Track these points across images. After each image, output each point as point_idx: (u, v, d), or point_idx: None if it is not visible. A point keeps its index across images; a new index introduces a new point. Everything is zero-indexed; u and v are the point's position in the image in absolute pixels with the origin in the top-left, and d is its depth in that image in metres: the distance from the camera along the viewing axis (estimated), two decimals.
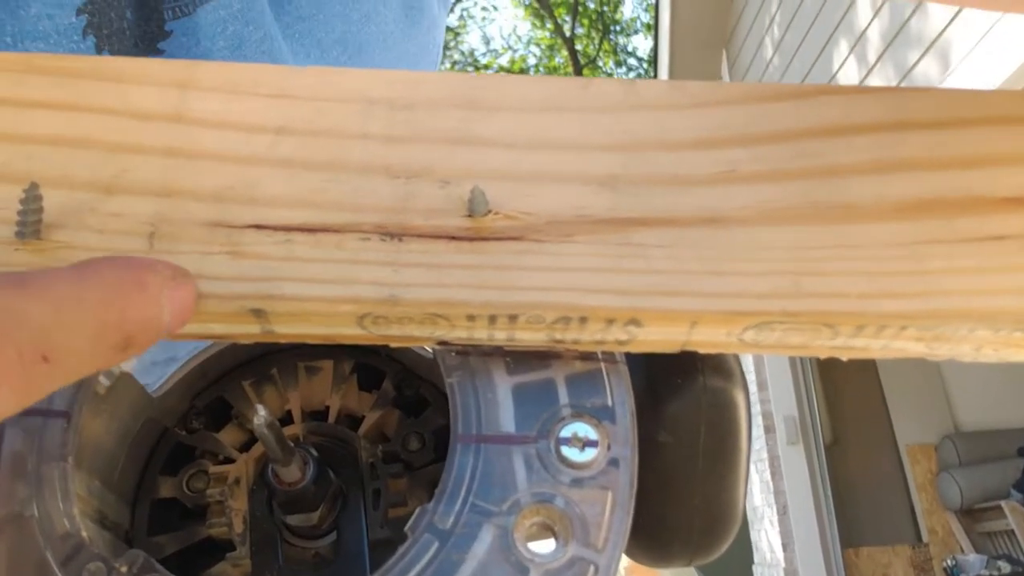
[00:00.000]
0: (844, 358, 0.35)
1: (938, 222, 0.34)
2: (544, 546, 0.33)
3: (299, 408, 0.45)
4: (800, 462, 4.81)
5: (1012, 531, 4.53)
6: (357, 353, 0.47)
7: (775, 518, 4.78)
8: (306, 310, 0.31)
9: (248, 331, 0.32)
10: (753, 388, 5.00)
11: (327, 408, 0.45)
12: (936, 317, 0.32)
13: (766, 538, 5.01)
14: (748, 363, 4.99)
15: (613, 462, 0.33)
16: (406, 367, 0.47)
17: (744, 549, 5.29)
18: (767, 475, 4.87)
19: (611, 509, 0.32)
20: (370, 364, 0.47)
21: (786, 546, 4.69)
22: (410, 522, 0.32)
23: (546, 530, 0.33)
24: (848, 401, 5.29)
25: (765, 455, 4.88)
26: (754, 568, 5.28)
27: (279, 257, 0.32)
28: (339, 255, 0.32)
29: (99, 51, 0.56)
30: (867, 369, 5.32)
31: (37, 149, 0.33)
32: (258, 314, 0.31)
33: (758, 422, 4.97)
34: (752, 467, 5.17)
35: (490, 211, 0.33)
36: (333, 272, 0.32)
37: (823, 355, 0.35)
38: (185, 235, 0.32)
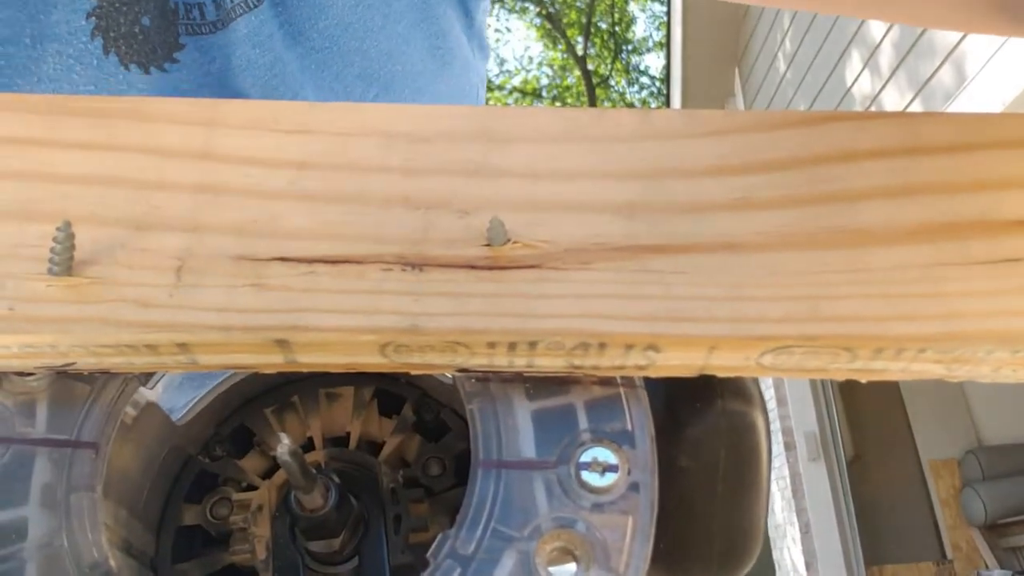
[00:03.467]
0: (863, 380, 0.36)
1: (952, 245, 0.34)
2: (566, 571, 0.33)
3: (320, 435, 0.45)
4: (822, 479, 4.76)
5: None
6: (377, 379, 0.47)
7: (797, 536, 4.73)
8: (329, 340, 0.32)
9: (272, 361, 0.33)
10: (772, 404, 4.97)
11: (348, 434, 0.46)
12: (954, 339, 0.33)
13: (789, 557, 4.96)
14: (767, 379, 4.96)
15: (633, 487, 0.33)
16: (426, 392, 0.47)
17: (767, 568, 5.24)
18: (788, 492, 4.83)
19: (632, 534, 0.33)
20: (390, 390, 0.47)
21: (809, 565, 4.63)
22: (432, 548, 0.32)
23: (567, 555, 0.33)
24: (869, 416, 5.24)
25: (786, 472, 4.84)
26: None
27: (302, 288, 0.32)
28: (361, 286, 0.33)
29: (106, 53, 0.58)
30: (888, 384, 5.27)
31: (70, 188, 0.34)
32: (282, 344, 0.32)
33: (778, 439, 4.93)
34: (773, 484, 5.12)
35: (509, 240, 0.34)
36: (355, 302, 0.32)
37: (841, 377, 0.35)
38: (211, 268, 0.32)
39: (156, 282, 0.32)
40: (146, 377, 0.35)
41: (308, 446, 0.46)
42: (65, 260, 0.31)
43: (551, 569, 0.32)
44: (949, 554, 4.96)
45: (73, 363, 0.32)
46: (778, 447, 4.94)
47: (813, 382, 4.90)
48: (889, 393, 5.27)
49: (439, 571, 0.32)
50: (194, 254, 0.32)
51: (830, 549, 4.59)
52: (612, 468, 0.34)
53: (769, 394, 5.00)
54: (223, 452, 0.45)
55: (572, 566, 0.33)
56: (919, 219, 0.34)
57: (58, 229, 0.31)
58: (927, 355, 0.33)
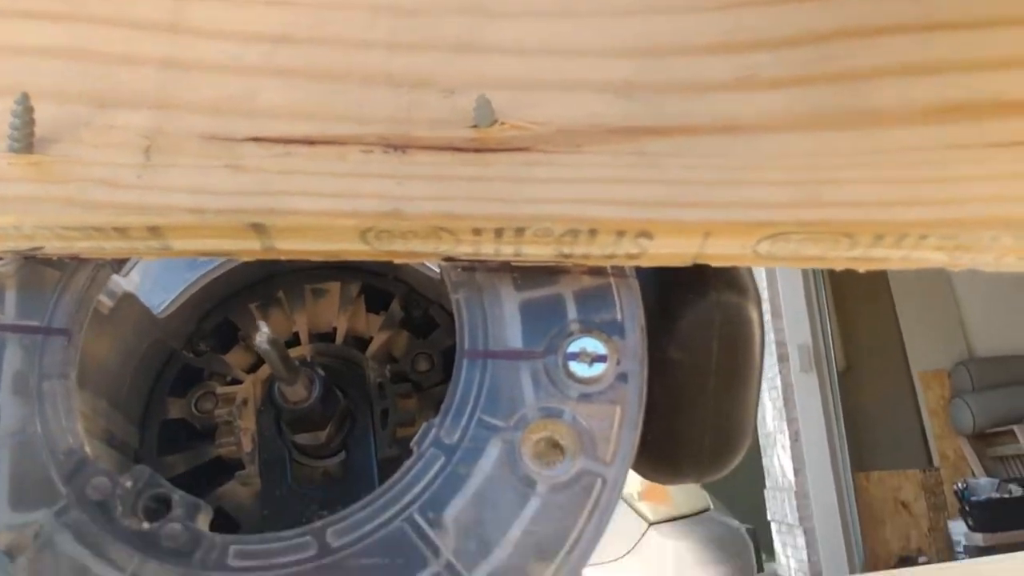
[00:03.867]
0: (861, 269, 0.34)
1: (966, 126, 0.32)
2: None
3: (306, 330, 0.44)
4: (813, 389, 4.83)
5: None
6: (364, 275, 0.46)
7: (787, 443, 4.84)
8: (307, 225, 0.31)
9: (249, 247, 0.32)
10: (767, 317, 5.00)
11: (334, 330, 0.45)
12: (958, 225, 0.31)
13: (778, 463, 5.08)
14: (762, 291, 4.97)
15: (622, 377, 0.33)
16: (414, 288, 0.46)
17: (756, 474, 5.37)
18: (780, 403, 4.90)
19: (619, 424, 0.32)
20: (377, 286, 0.46)
21: (797, 471, 4.75)
22: (416, 437, 0.31)
23: (554, 445, 0.33)
24: (862, 328, 5.28)
25: (778, 383, 4.91)
26: (765, 492, 5.37)
27: (279, 170, 0.31)
28: (341, 168, 0.31)
29: None
30: (882, 296, 5.29)
31: (30, 61, 0.31)
32: (258, 229, 0.31)
33: (771, 350, 4.98)
34: (765, 395, 5.21)
35: (496, 121, 0.32)
36: (335, 185, 0.31)
37: (840, 266, 0.34)
38: (182, 148, 0.31)
39: (123, 161, 0.30)
40: (119, 264, 0.34)
41: (294, 341, 0.45)
42: (25, 136, 0.29)
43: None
44: (936, 462, 5.08)
45: (40, 247, 0.31)
46: (771, 358, 4.99)
47: (808, 293, 4.92)
48: (882, 305, 5.30)
49: (423, 460, 0.31)
50: (163, 133, 0.31)
51: (818, 456, 4.69)
52: (600, 358, 0.33)
53: (764, 306, 5.01)
54: (207, 347, 0.44)
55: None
56: (934, 99, 0.33)
57: (16, 103, 0.29)
58: (929, 242, 0.32)
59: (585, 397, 0.32)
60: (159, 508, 0.30)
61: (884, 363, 5.27)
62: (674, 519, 3.20)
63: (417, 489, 0.31)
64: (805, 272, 4.92)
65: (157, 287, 0.40)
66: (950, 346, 5.22)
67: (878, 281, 5.27)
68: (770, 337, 4.99)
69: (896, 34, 0.33)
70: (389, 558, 0.30)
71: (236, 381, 0.43)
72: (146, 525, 0.29)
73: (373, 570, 0.29)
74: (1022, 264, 0.34)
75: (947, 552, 4.81)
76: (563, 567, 0.30)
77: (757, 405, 0.42)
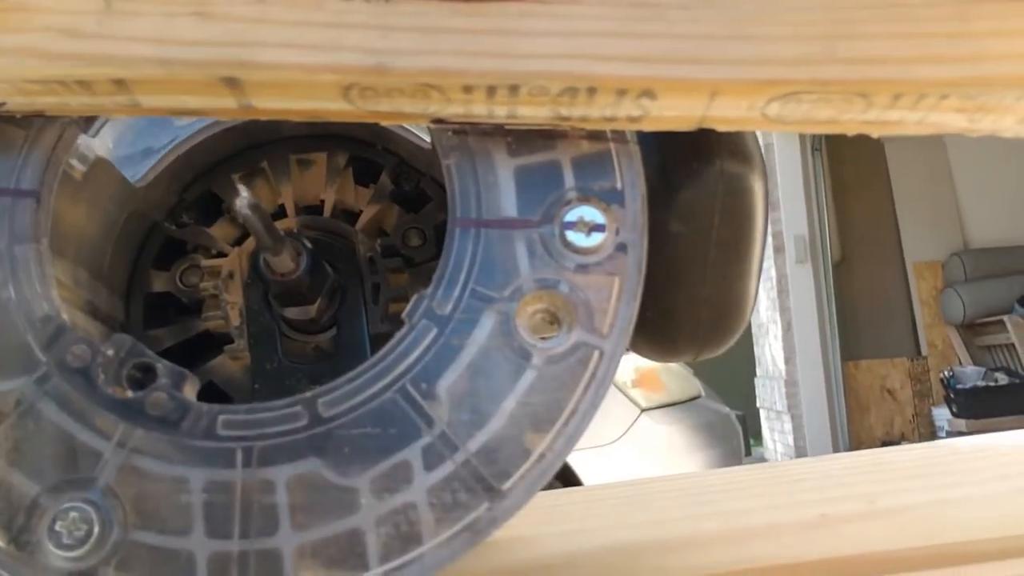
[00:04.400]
0: (875, 135, 0.33)
1: None
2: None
3: (292, 202, 0.43)
4: (807, 280, 4.86)
5: (1012, 345, 4.64)
6: (352, 146, 0.44)
7: (779, 333, 4.90)
8: (284, 79, 0.29)
9: (223, 105, 0.30)
10: None
11: (322, 203, 0.43)
12: (981, 84, 0.29)
13: (769, 352, 5.16)
14: None
15: (621, 247, 0.31)
16: (404, 160, 0.44)
17: (747, 362, 5.46)
18: (774, 293, 4.94)
19: (617, 295, 0.31)
20: (366, 157, 0.44)
21: (788, 359, 4.83)
22: (407, 308, 0.30)
23: (550, 316, 0.32)
24: (859, 220, 5.27)
25: (773, 274, 4.93)
26: (756, 380, 5.48)
27: (252, 19, 0.28)
28: (319, 17, 0.29)
29: None
30: (880, 187, 5.26)
31: None
32: (231, 84, 0.29)
33: (768, 241, 4.98)
34: (760, 285, 5.24)
35: None
36: (313, 36, 0.28)
37: (852, 131, 0.32)
38: None
39: (83, 8, 0.28)
40: (86, 123, 0.32)
41: (280, 214, 0.43)
42: None
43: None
44: (924, 351, 5.17)
45: (2, 103, 0.29)
46: (768, 249, 4.99)
47: (807, 184, 4.88)
48: (880, 196, 5.27)
49: (415, 331, 0.30)
50: None
51: (809, 345, 4.77)
52: (599, 228, 0.32)
53: None
54: (190, 219, 0.42)
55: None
56: None
57: None
58: (949, 102, 0.30)
59: (582, 268, 0.31)
60: (144, 377, 0.29)
61: (879, 254, 5.29)
62: (666, 406, 3.28)
63: (410, 360, 0.30)
64: (804, 162, 4.87)
65: (133, 155, 0.39)
66: (945, 237, 5.22)
67: (877, 171, 5.22)
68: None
69: None
70: (381, 428, 0.29)
71: (222, 254, 0.42)
72: (130, 393, 0.29)
73: (365, 440, 0.29)
74: None
75: (930, 437, 4.95)
76: (559, 438, 0.30)
77: (759, 280, 0.41)
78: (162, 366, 0.29)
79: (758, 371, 5.44)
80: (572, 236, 0.32)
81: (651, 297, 0.37)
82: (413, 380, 0.30)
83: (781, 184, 4.91)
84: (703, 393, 3.49)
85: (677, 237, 0.37)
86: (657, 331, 0.41)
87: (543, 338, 0.31)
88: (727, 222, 0.37)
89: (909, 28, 0.29)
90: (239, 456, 0.28)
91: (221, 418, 0.28)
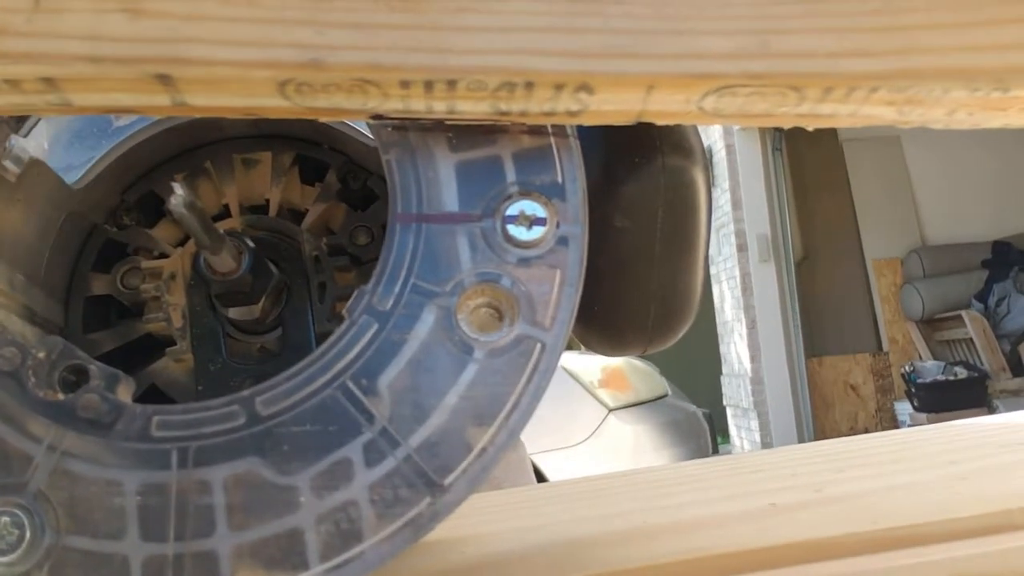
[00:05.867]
0: (810, 127, 0.33)
1: None
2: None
3: (236, 202, 0.42)
4: (771, 279, 4.93)
5: (971, 339, 4.74)
6: (297, 144, 0.44)
7: (744, 332, 4.96)
8: (218, 76, 0.28)
9: (157, 103, 0.29)
10: (728, 207, 5.03)
11: (268, 202, 0.43)
12: (909, 77, 0.30)
13: (735, 350, 5.22)
14: (723, 180, 4.98)
15: (562, 240, 0.32)
16: (351, 159, 0.44)
17: (713, 361, 5.52)
18: (738, 292, 5.00)
19: (559, 287, 0.31)
20: (312, 156, 0.44)
21: (753, 357, 4.89)
22: (348, 303, 0.30)
23: (492, 310, 0.32)
24: (820, 218, 5.35)
25: (737, 273, 4.99)
26: (722, 378, 5.53)
27: (185, 15, 0.28)
28: (254, 13, 0.28)
29: None
30: (840, 186, 5.34)
31: None
32: (165, 80, 0.28)
33: (731, 240, 5.04)
34: (724, 284, 5.29)
35: None
36: (247, 32, 0.28)
37: (787, 124, 0.33)
38: None
39: (10, 6, 0.27)
40: (16, 123, 0.31)
41: (224, 214, 0.43)
42: None
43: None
44: (886, 347, 5.26)
45: None
46: (730, 248, 5.05)
47: (768, 184, 4.94)
48: (840, 195, 5.35)
49: (355, 327, 0.30)
50: None
51: (773, 343, 4.83)
52: (540, 221, 0.32)
53: (725, 197, 5.05)
54: (131, 221, 0.42)
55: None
56: None
57: None
58: (879, 95, 0.31)
59: (524, 261, 0.31)
60: (77, 380, 0.29)
61: (840, 252, 5.37)
62: (633, 405, 3.30)
63: (350, 356, 0.30)
64: (765, 162, 4.93)
65: (70, 156, 0.38)
66: (904, 235, 5.32)
67: (837, 171, 5.31)
68: (730, 228, 5.04)
69: None
70: (321, 425, 0.29)
71: (164, 256, 0.41)
72: (62, 396, 0.28)
73: (305, 437, 0.29)
74: (972, 120, 0.33)
75: None
76: (501, 431, 0.30)
77: (705, 274, 0.42)
78: (95, 368, 0.28)
79: (724, 369, 5.49)
80: (513, 230, 0.32)
81: (599, 291, 0.37)
82: (354, 376, 0.29)
83: (743, 184, 4.97)
84: (670, 392, 3.51)
85: (622, 231, 0.38)
86: (606, 325, 0.42)
87: (484, 329, 0.31)
88: (671, 215, 0.38)
89: (838, 22, 0.30)
90: (174, 457, 0.28)
91: (156, 419, 0.28)
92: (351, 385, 0.29)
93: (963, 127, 0.33)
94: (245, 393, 0.29)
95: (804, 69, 0.30)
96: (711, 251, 5.62)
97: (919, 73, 0.30)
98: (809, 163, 5.23)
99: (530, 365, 0.30)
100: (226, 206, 0.43)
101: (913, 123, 0.33)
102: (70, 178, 0.38)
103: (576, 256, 0.32)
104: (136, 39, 0.28)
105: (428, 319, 0.30)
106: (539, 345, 0.31)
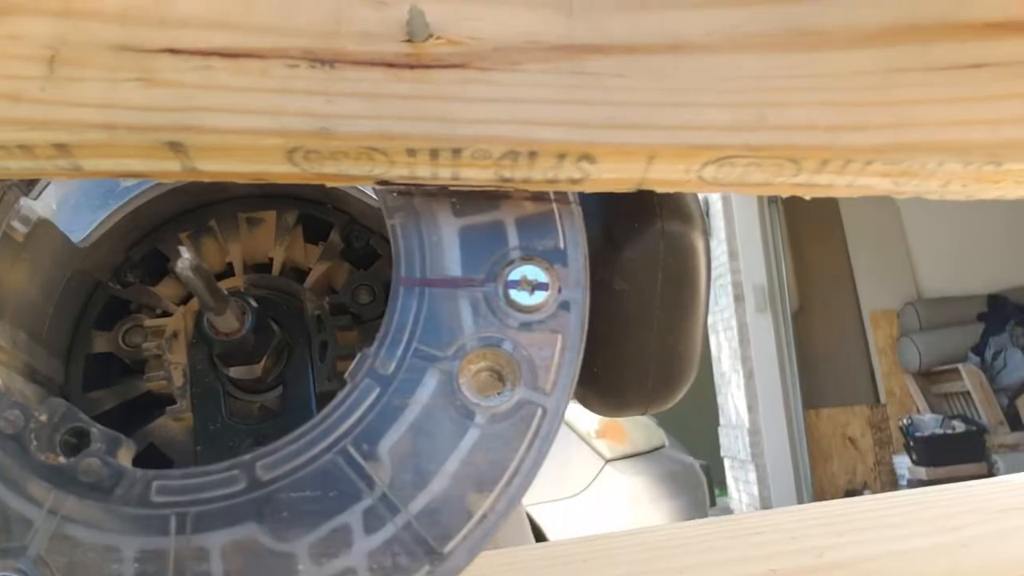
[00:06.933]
0: (807, 196, 0.34)
1: (913, 49, 0.31)
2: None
3: (240, 260, 0.43)
4: (767, 329, 4.93)
5: (968, 393, 4.72)
6: (302, 204, 0.44)
7: (741, 383, 4.94)
8: (229, 143, 0.29)
9: (168, 168, 0.30)
10: (724, 259, 5.06)
11: (271, 261, 0.43)
12: (904, 150, 0.31)
13: (732, 401, 5.19)
14: (719, 232, 5.02)
15: (564, 305, 0.32)
16: (354, 219, 0.44)
17: (710, 412, 5.49)
18: (735, 342, 4.99)
19: (560, 352, 0.31)
20: (316, 215, 0.45)
21: (751, 408, 4.86)
22: (351, 367, 0.30)
23: (494, 375, 0.32)
24: (816, 269, 5.37)
25: (734, 323, 4.99)
26: (719, 429, 5.50)
27: (197, 85, 0.29)
28: (264, 83, 0.29)
29: None
30: (835, 237, 5.38)
31: None
32: (176, 148, 0.29)
33: (728, 291, 5.05)
34: (721, 334, 5.29)
35: (431, 36, 0.30)
36: (258, 102, 0.29)
37: (785, 193, 0.33)
38: (90, 60, 0.28)
39: (25, 74, 0.28)
40: (27, 185, 0.32)
41: (228, 272, 0.43)
42: None
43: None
44: (883, 399, 5.24)
45: None
46: (727, 299, 5.07)
47: (764, 234, 4.98)
48: (835, 247, 5.38)
49: (357, 391, 0.30)
50: (69, 43, 0.28)
51: (771, 394, 4.81)
52: (542, 286, 0.32)
53: (722, 248, 5.08)
54: (135, 278, 0.42)
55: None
56: (881, 21, 0.32)
57: None
58: (875, 167, 0.31)
59: (526, 326, 0.32)
60: (78, 442, 0.29)
61: (836, 303, 5.38)
62: (630, 456, 3.27)
63: (351, 421, 0.30)
64: (762, 214, 4.97)
65: (78, 216, 0.38)
66: (900, 287, 5.34)
67: (832, 223, 5.35)
68: (727, 278, 5.06)
69: None
70: (322, 491, 0.29)
71: (167, 314, 0.41)
72: (63, 460, 0.28)
73: (304, 503, 0.28)
74: (966, 192, 0.33)
75: (891, 486, 4.99)
76: (502, 498, 0.30)
77: (704, 336, 0.42)
78: (97, 431, 0.28)
79: (721, 420, 5.46)
80: (515, 295, 0.32)
81: (599, 353, 0.38)
82: (355, 441, 0.29)
83: (740, 235, 5.00)
84: (667, 443, 3.48)
85: (622, 294, 0.38)
86: (606, 386, 0.42)
87: (486, 394, 0.31)
88: (670, 280, 0.38)
89: (835, 97, 0.31)
90: (173, 523, 0.27)
91: (155, 484, 0.28)
92: (352, 450, 0.29)
93: (958, 198, 0.34)
94: (246, 457, 0.29)
95: (801, 142, 0.31)
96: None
97: (913, 147, 0.31)
98: (805, 214, 5.27)
99: (531, 430, 0.30)
100: (230, 264, 0.43)
101: (908, 194, 0.33)
102: (76, 237, 0.38)
103: (577, 321, 0.32)
104: (149, 108, 0.28)
105: (430, 383, 0.31)
106: (540, 410, 0.31)
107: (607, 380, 0.41)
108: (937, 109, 0.31)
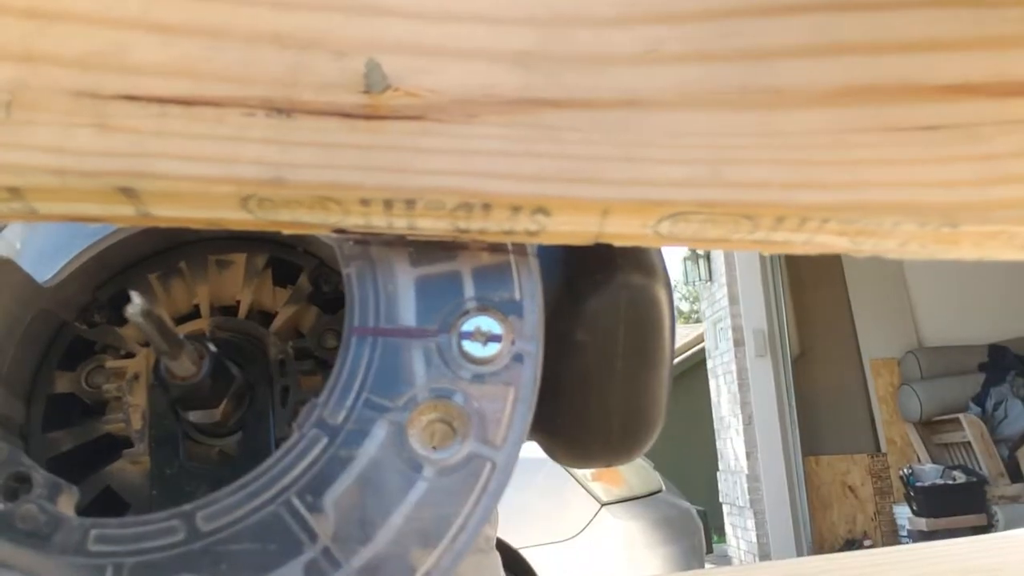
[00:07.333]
0: (765, 253, 0.34)
1: (869, 110, 0.31)
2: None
3: (207, 302, 0.43)
4: (767, 374, 4.91)
5: (969, 443, 4.68)
6: (272, 247, 0.44)
7: (740, 428, 4.90)
8: (181, 190, 0.29)
9: (121, 213, 0.30)
10: (725, 302, 5.05)
11: (238, 303, 0.43)
12: (859, 209, 0.31)
13: (731, 447, 5.15)
14: (720, 277, 5.02)
15: (517, 357, 0.32)
16: (324, 262, 0.44)
17: (709, 457, 5.44)
18: (735, 387, 4.97)
19: (512, 405, 0.31)
20: (286, 259, 0.45)
21: (750, 454, 4.82)
22: (299, 416, 0.30)
23: (445, 426, 0.32)
24: (817, 315, 5.36)
25: (734, 367, 4.97)
26: (718, 475, 5.44)
27: (152, 131, 0.29)
28: (219, 131, 0.29)
29: None
30: (836, 284, 5.38)
31: None
32: (128, 193, 0.29)
33: (728, 335, 5.04)
34: (720, 379, 5.27)
35: (389, 87, 0.30)
36: (212, 149, 0.29)
37: (743, 249, 0.33)
38: (47, 104, 0.29)
39: None
40: None
41: (195, 314, 0.43)
42: None
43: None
44: (884, 448, 5.19)
45: None
46: (727, 343, 5.05)
47: (765, 280, 4.98)
48: (836, 293, 5.38)
49: (304, 440, 0.30)
50: (27, 87, 0.29)
51: (770, 440, 4.77)
52: (495, 338, 0.32)
53: (722, 292, 5.07)
54: (102, 319, 0.42)
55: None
56: (837, 81, 0.32)
57: None
58: (831, 226, 0.31)
59: (478, 378, 0.31)
60: (19, 487, 0.28)
61: (837, 350, 5.36)
62: (626, 500, 3.24)
63: (296, 472, 0.29)
64: (762, 259, 4.98)
65: (44, 255, 0.38)
66: (901, 335, 5.32)
67: (833, 269, 5.35)
68: (727, 322, 5.05)
69: (803, 13, 0.32)
70: (261, 543, 0.28)
71: (132, 355, 0.41)
72: (1, 505, 0.28)
73: (244, 556, 0.28)
74: (926, 252, 0.33)
75: (892, 536, 4.93)
76: (446, 554, 0.29)
77: (668, 388, 0.42)
78: (39, 476, 0.28)
79: (720, 465, 5.40)
80: (468, 346, 0.32)
81: (563, 405, 0.37)
82: (299, 492, 0.29)
83: (740, 278, 5.01)
84: (664, 487, 3.45)
85: (584, 346, 0.38)
86: (570, 438, 0.41)
87: (435, 447, 0.31)
88: (632, 332, 0.38)
89: (789, 155, 0.31)
90: (109, 572, 0.27)
91: (93, 532, 0.27)
92: (296, 502, 0.29)
93: (918, 258, 0.34)
94: (187, 507, 0.28)
95: (755, 199, 0.31)
96: (708, 345, 5.61)
97: (869, 207, 0.31)
98: (806, 259, 5.28)
99: (479, 485, 0.30)
100: (196, 305, 0.43)
101: (866, 252, 0.33)
102: (42, 276, 0.38)
103: (530, 374, 0.32)
104: (103, 153, 0.28)
105: (379, 435, 0.30)
106: (489, 464, 0.30)
107: (570, 431, 0.40)
108: (892, 170, 0.31)
